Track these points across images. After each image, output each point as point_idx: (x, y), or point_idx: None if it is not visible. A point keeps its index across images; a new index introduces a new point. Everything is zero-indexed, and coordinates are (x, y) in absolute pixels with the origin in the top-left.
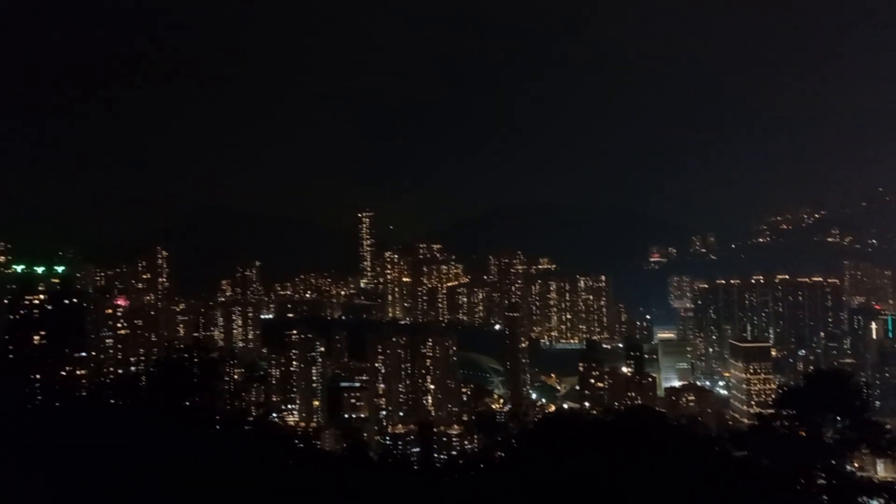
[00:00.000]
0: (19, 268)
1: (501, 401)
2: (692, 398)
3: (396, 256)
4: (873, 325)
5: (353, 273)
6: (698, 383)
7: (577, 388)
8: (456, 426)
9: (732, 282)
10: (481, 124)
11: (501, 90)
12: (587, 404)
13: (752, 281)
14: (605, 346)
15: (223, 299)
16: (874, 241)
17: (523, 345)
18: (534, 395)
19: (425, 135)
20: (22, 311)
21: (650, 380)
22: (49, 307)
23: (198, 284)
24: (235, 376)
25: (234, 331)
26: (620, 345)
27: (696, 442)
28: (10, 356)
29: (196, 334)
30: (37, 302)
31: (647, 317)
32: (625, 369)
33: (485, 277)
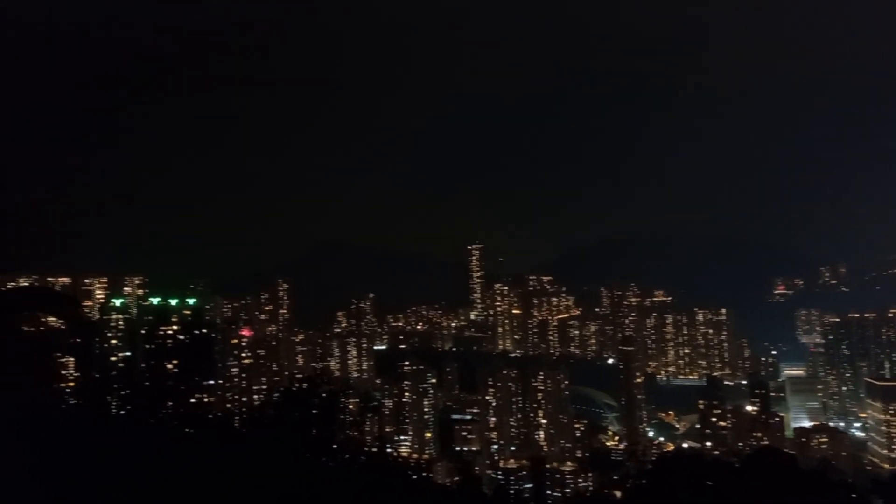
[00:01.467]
0: (155, 300)
1: (616, 438)
2: (825, 440)
3: (506, 288)
4: None
5: (464, 305)
6: (831, 424)
7: (698, 426)
8: (569, 463)
9: (867, 315)
10: (595, 155)
11: (618, 121)
12: (709, 444)
13: (890, 314)
14: (726, 382)
15: (338, 330)
16: None
17: (638, 380)
18: (651, 433)
19: (537, 167)
20: (157, 341)
21: (777, 419)
22: (181, 337)
23: (315, 316)
24: (351, 406)
25: (349, 361)
26: (743, 382)
27: (832, 489)
28: (148, 383)
29: (314, 364)
30: (170, 332)
31: (773, 352)
32: (749, 408)
33: (597, 310)
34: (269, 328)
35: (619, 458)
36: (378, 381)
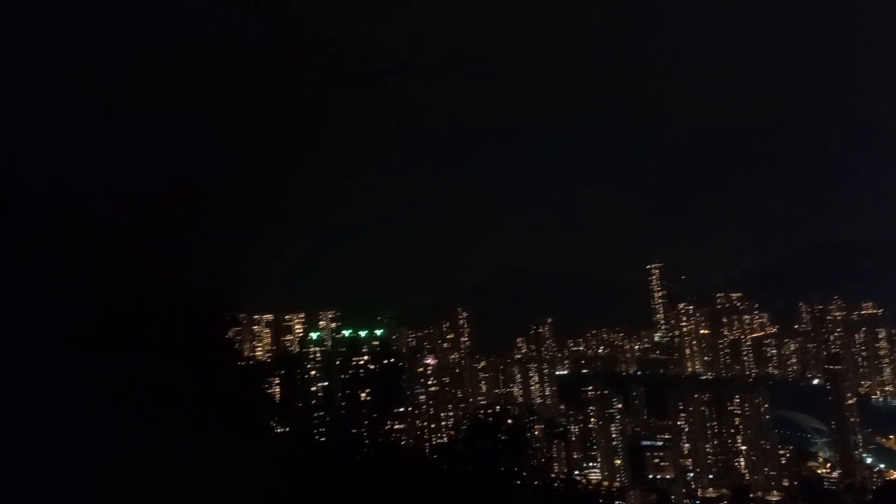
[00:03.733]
0: (347, 332)
1: (828, 465)
2: None
3: (691, 308)
4: None
5: (646, 327)
6: None
7: None
8: (776, 492)
9: None
10: (785, 160)
11: (817, 122)
12: None
13: None
14: None
15: (519, 356)
16: None
17: (850, 401)
18: (869, 460)
19: (719, 177)
20: (350, 371)
21: None
22: (372, 367)
23: (495, 343)
24: (536, 432)
25: (532, 387)
26: None
27: None
28: (344, 412)
29: (497, 391)
30: (362, 362)
31: None
32: None
33: (796, 326)
34: (452, 356)
35: (834, 486)
36: (562, 407)
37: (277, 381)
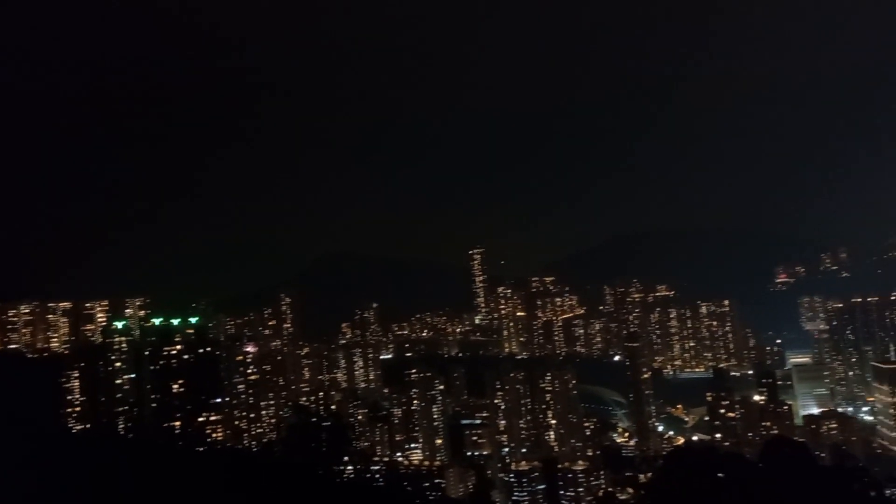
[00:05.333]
0: (157, 320)
1: (627, 434)
2: (834, 426)
3: (510, 291)
4: None
5: (468, 310)
6: (839, 410)
7: (706, 418)
8: (581, 462)
9: (870, 299)
10: (596, 154)
11: (614, 118)
12: (718, 436)
13: (893, 297)
14: (733, 373)
15: (344, 342)
16: None
17: (646, 375)
18: (660, 428)
19: (535, 169)
20: (161, 362)
21: (786, 408)
22: (186, 357)
23: (320, 329)
24: (360, 417)
25: (356, 372)
26: (750, 372)
27: (847, 476)
28: (154, 404)
29: (320, 377)
30: (174, 352)
31: (778, 341)
32: (757, 397)
33: (600, 308)
34: (274, 343)
35: (631, 454)
36: (386, 391)
37: (77, 375)
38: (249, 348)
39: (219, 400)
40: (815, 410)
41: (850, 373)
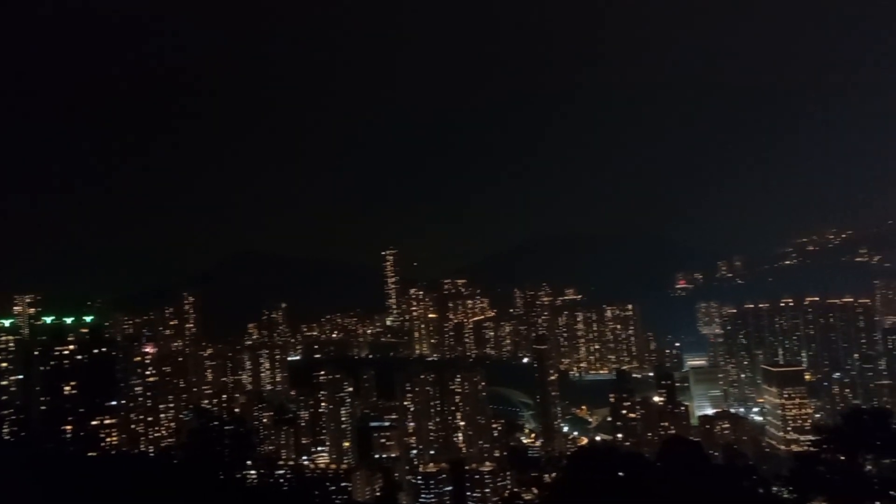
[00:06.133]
0: (49, 319)
1: (533, 435)
2: (727, 426)
3: (421, 293)
4: None
5: (380, 311)
6: (732, 410)
7: (609, 419)
8: (488, 463)
9: (761, 306)
10: (505, 158)
11: (524, 122)
12: (620, 436)
13: (782, 304)
14: (635, 375)
15: (250, 343)
16: None
17: (552, 377)
18: (566, 428)
19: (450, 172)
20: (53, 362)
21: (683, 409)
22: (79, 357)
23: (226, 329)
24: (265, 420)
25: (262, 374)
26: (651, 374)
27: (736, 474)
28: (44, 408)
29: (224, 379)
30: (66, 352)
31: (677, 344)
32: (656, 399)
33: (511, 311)
34: (175, 344)
35: (537, 455)
36: (293, 393)
37: None
38: (148, 349)
39: (114, 403)
40: (710, 411)
41: (743, 375)
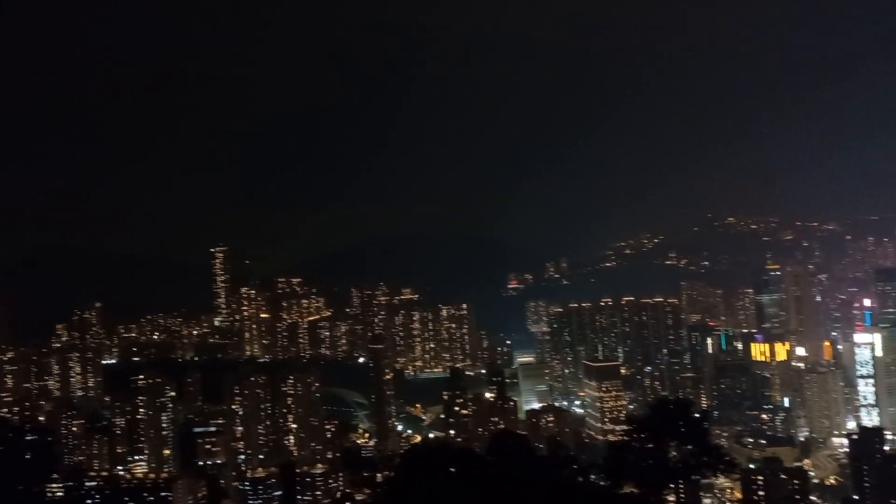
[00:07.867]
0: None
1: (367, 435)
2: (551, 419)
3: (253, 292)
4: (709, 341)
5: (207, 311)
6: (556, 404)
7: (442, 416)
8: (320, 465)
9: (583, 305)
10: (343, 157)
11: (355, 122)
12: (452, 432)
13: (602, 304)
14: (468, 373)
15: (59, 345)
16: (706, 262)
17: (388, 376)
18: (399, 427)
19: (287, 171)
20: None
21: (511, 404)
22: None
23: (30, 330)
24: (75, 428)
25: (72, 379)
26: (483, 371)
27: (558, 464)
28: None
29: (27, 385)
30: None
31: (508, 342)
32: (487, 395)
33: (347, 310)
34: None
35: (370, 454)
36: (107, 399)
37: None
38: None
39: None
40: (536, 405)
41: (567, 370)
